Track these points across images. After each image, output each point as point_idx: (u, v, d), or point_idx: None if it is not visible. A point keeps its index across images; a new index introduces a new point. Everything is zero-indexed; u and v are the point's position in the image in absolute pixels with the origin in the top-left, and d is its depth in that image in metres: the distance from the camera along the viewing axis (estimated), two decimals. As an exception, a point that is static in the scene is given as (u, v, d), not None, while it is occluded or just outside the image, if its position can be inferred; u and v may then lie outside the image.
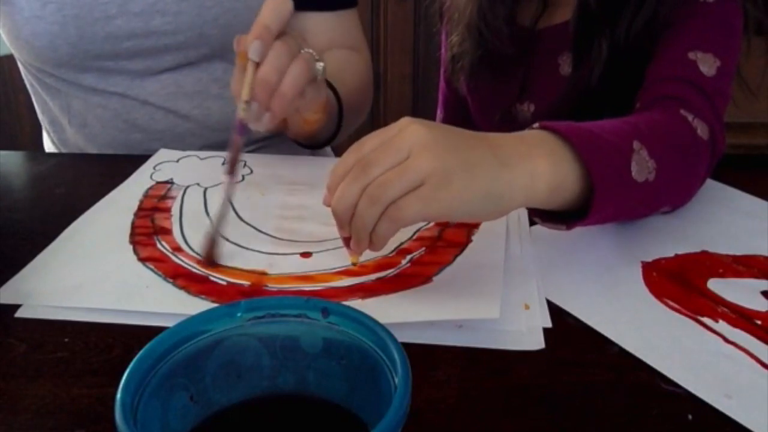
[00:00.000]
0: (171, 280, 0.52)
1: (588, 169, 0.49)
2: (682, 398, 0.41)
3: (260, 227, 0.61)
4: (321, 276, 0.53)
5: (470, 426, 0.39)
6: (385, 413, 0.27)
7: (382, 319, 0.32)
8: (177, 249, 0.57)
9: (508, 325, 0.47)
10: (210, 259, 0.54)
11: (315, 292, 0.50)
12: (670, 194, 0.60)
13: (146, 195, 0.67)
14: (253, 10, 0.84)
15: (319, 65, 0.63)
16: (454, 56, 0.87)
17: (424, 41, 1.93)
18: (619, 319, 0.48)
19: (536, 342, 0.46)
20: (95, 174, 0.74)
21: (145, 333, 0.42)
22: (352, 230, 0.47)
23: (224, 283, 0.52)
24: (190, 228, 0.60)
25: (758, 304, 0.50)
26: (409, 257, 0.55)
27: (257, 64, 0.59)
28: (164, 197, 0.66)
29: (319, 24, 0.87)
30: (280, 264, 0.54)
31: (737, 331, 0.47)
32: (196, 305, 0.49)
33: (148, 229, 0.60)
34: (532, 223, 0.61)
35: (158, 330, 0.32)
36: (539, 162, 0.48)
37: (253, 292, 0.50)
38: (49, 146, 0.98)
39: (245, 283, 0.52)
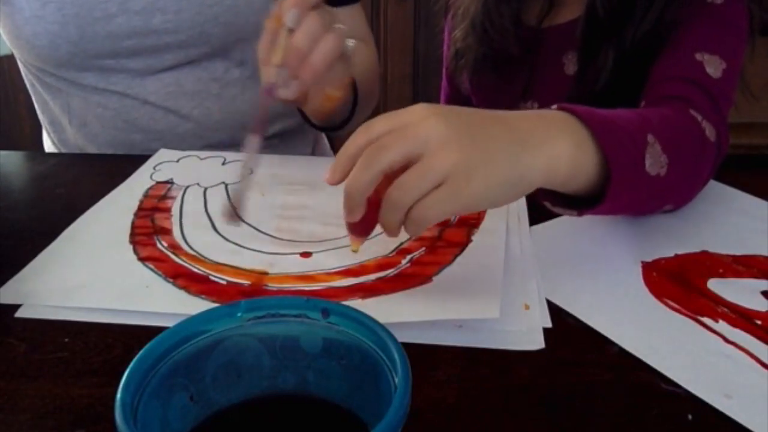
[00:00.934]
0: (171, 280, 0.52)
1: (606, 156, 0.49)
2: (682, 398, 0.41)
3: (260, 227, 0.61)
4: (321, 276, 0.53)
5: (470, 426, 0.39)
6: (385, 413, 0.27)
7: (382, 319, 0.32)
8: (177, 249, 0.57)
9: (508, 325, 0.47)
10: (233, 214, 0.54)
11: (315, 292, 0.50)
12: (678, 191, 0.59)
13: (146, 195, 0.67)
14: (253, 8, 0.84)
15: (350, 42, 0.64)
16: (457, 52, 0.87)
17: (424, 41, 1.93)
18: (619, 319, 0.48)
19: (536, 342, 0.46)
20: (95, 174, 0.74)
21: (145, 333, 0.42)
22: (382, 226, 0.46)
23: (224, 282, 0.52)
24: (190, 228, 0.60)
25: (758, 304, 0.50)
26: (409, 257, 0.55)
27: (291, 31, 0.58)
28: (164, 197, 0.66)
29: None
30: (281, 264, 0.54)
31: (737, 331, 0.47)
32: (196, 305, 0.49)
33: (148, 229, 0.60)
34: (532, 222, 0.61)
35: (158, 330, 0.32)
36: (559, 144, 0.47)
37: (254, 292, 0.50)
38: (49, 146, 0.98)
39: (245, 282, 0.52)
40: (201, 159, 0.76)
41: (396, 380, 0.29)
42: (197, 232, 0.59)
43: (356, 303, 0.49)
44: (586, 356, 0.45)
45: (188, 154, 0.77)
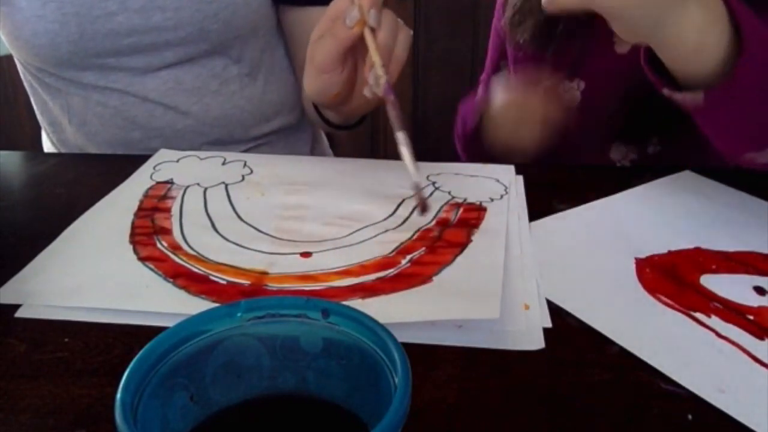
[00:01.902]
0: (171, 280, 0.52)
1: (738, 21, 0.51)
2: (682, 398, 0.41)
3: (260, 227, 0.61)
4: (321, 276, 0.53)
5: (470, 426, 0.39)
6: (385, 413, 0.27)
7: (382, 319, 0.32)
8: (177, 248, 0.57)
9: (508, 325, 0.47)
10: (424, 207, 0.56)
11: (315, 292, 0.50)
12: None
13: (146, 195, 0.67)
14: (251, 7, 0.84)
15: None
16: (519, 13, 0.83)
17: (424, 41, 1.93)
18: (613, 316, 0.48)
19: (536, 342, 0.46)
20: (95, 174, 0.74)
21: (145, 333, 0.42)
22: None
23: (224, 282, 0.52)
24: (190, 228, 0.60)
25: (750, 300, 0.50)
26: (409, 257, 0.55)
27: (373, 30, 0.60)
28: (164, 197, 0.66)
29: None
30: (281, 264, 0.54)
31: (730, 326, 0.47)
32: (196, 305, 0.49)
33: (148, 229, 0.60)
34: (531, 221, 0.61)
35: (158, 330, 0.32)
36: (700, 14, 0.51)
37: (254, 292, 0.50)
38: (48, 146, 0.98)
39: (245, 282, 0.52)
40: (201, 159, 0.76)
41: (396, 380, 0.29)
42: (197, 232, 0.59)
43: (356, 303, 0.49)
44: (586, 356, 0.45)
45: (188, 154, 0.77)
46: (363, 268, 0.53)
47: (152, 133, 0.87)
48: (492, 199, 0.65)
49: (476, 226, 0.60)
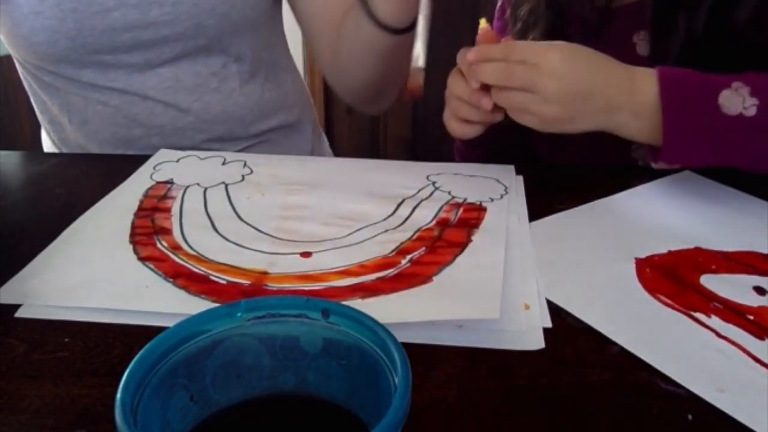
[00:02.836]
0: (171, 280, 0.52)
1: (661, 102, 0.59)
2: (682, 398, 0.41)
3: (260, 227, 0.61)
4: (321, 275, 0.53)
5: (470, 426, 0.39)
6: (385, 413, 0.27)
7: (382, 319, 0.32)
8: (177, 248, 0.57)
9: (508, 325, 0.47)
10: (416, 91, 0.59)
11: (315, 292, 0.50)
12: None
13: (146, 195, 0.67)
14: (249, 2, 0.84)
15: None
16: (524, 26, 0.84)
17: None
18: (613, 316, 0.48)
19: (536, 342, 0.46)
20: (95, 174, 0.74)
21: (145, 333, 0.42)
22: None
23: (224, 282, 0.52)
24: (190, 228, 0.60)
25: (750, 300, 0.50)
26: (409, 257, 0.55)
27: None
28: (164, 197, 0.66)
29: None
30: (281, 263, 0.54)
31: (730, 326, 0.47)
32: (196, 305, 0.49)
33: (148, 229, 0.60)
34: (531, 221, 0.61)
35: (158, 330, 0.32)
36: (627, 116, 0.60)
37: (254, 292, 0.50)
38: (48, 146, 0.98)
39: (245, 282, 0.52)
40: (201, 159, 0.76)
41: (396, 380, 0.29)
42: (197, 232, 0.59)
43: (356, 303, 0.49)
44: (586, 356, 0.45)
45: (188, 154, 0.77)
46: (363, 268, 0.53)
47: (153, 130, 0.87)
48: (492, 199, 0.65)
49: (476, 226, 0.60)
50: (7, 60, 1.13)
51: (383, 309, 0.48)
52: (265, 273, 0.53)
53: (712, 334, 0.46)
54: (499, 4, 0.92)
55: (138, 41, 0.81)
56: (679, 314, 0.48)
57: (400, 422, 0.27)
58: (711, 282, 0.52)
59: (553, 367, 0.44)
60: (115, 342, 0.46)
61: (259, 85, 0.91)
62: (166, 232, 0.60)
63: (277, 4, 0.92)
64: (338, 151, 1.18)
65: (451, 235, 0.58)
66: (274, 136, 0.95)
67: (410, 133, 2.03)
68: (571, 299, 0.50)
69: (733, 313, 0.48)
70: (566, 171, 0.74)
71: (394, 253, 0.56)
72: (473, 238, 0.58)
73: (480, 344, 0.45)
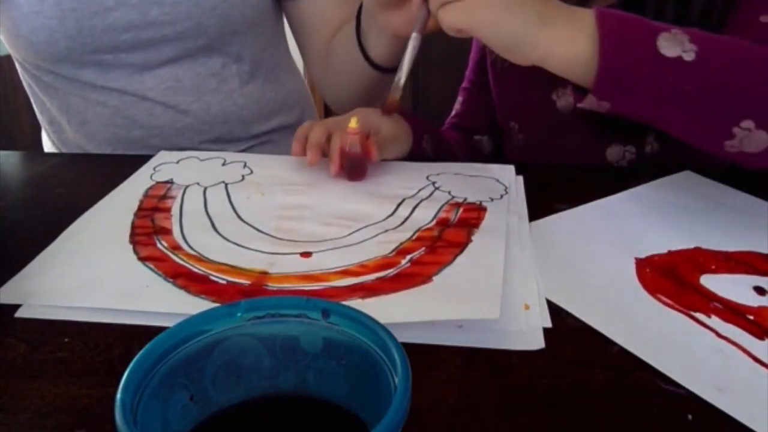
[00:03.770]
0: (171, 280, 0.52)
1: (598, 35, 0.54)
2: (682, 398, 0.41)
3: (260, 227, 0.61)
4: (321, 275, 0.53)
5: (470, 426, 0.39)
6: (385, 413, 0.27)
7: (382, 319, 0.32)
8: (177, 248, 0.57)
9: (509, 325, 0.47)
10: (392, 106, 0.58)
11: (315, 292, 0.50)
12: (727, 93, 0.55)
13: (146, 195, 0.67)
14: (249, 1, 0.84)
15: None
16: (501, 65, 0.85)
17: (424, 41, 1.92)
18: (613, 316, 0.48)
19: (536, 342, 0.46)
20: (95, 174, 0.74)
21: (145, 333, 0.42)
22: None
23: (224, 282, 0.52)
24: (190, 228, 0.60)
25: (750, 300, 0.50)
26: (409, 257, 0.55)
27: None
28: (164, 197, 0.66)
29: (330, 4, 0.88)
30: (281, 264, 0.54)
31: (729, 326, 0.47)
32: (197, 305, 0.49)
33: (148, 229, 0.60)
34: (531, 221, 0.61)
35: (158, 330, 0.32)
36: (564, 31, 0.56)
37: (254, 292, 0.50)
38: (48, 146, 0.98)
39: (245, 282, 0.52)
40: (201, 160, 0.76)
41: (396, 380, 0.29)
42: (197, 232, 0.59)
43: (356, 303, 0.49)
44: (586, 356, 0.45)
45: (188, 155, 0.77)
46: (363, 268, 0.53)
47: (152, 131, 0.87)
48: (492, 199, 0.65)
49: (476, 226, 0.60)
50: (7, 60, 1.13)
51: (383, 309, 0.48)
52: (265, 273, 0.53)
53: (712, 334, 0.46)
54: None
55: (138, 41, 0.81)
56: (679, 314, 0.48)
57: (400, 422, 0.27)
58: (711, 282, 0.52)
59: (553, 367, 0.44)
60: (115, 342, 0.46)
61: (259, 85, 0.91)
62: (166, 232, 0.60)
63: (278, 4, 0.92)
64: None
65: (451, 235, 0.58)
66: (275, 137, 0.95)
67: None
68: (571, 299, 0.50)
69: (733, 313, 0.48)
70: (566, 171, 0.74)
71: (394, 253, 0.56)
72: (473, 238, 0.58)
73: (480, 344, 0.45)
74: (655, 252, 0.56)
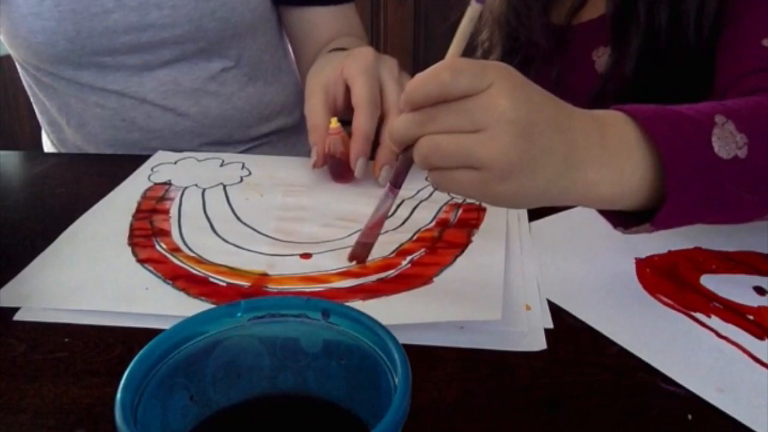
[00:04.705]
0: (170, 282, 0.52)
1: (659, 151, 0.44)
2: (682, 398, 0.41)
3: (259, 228, 0.61)
4: (321, 277, 0.53)
5: (470, 426, 0.39)
6: (385, 413, 0.27)
7: (384, 321, 0.32)
8: (176, 250, 0.57)
9: (510, 326, 0.47)
10: (360, 259, 0.54)
11: (315, 294, 0.50)
12: None
13: (144, 196, 0.67)
14: (249, 5, 0.84)
15: None
16: (483, 53, 0.85)
17: (424, 41, 1.93)
18: (613, 316, 0.48)
19: (538, 343, 0.46)
20: (95, 174, 0.74)
21: (145, 333, 0.42)
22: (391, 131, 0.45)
23: (224, 284, 0.52)
24: (189, 229, 0.60)
25: (750, 300, 0.50)
26: (409, 258, 0.55)
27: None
28: (162, 199, 0.66)
29: (325, 17, 0.89)
30: (280, 265, 0.54)
31: (729, 326, 0.47)
32: (196, 307, 0.49)
33: (147, 231, 0.60)
34: (531, 221, 0.61)
35: (158, 330, 0.32)
36: (602, 170, 0.44)
37: (254, 294, 0.50)
38: (48, 146, 0.98)
39: (245, 284, 0.52)
40: (199, 161, 0.76)
41: (396, 380, 0.29)
42: (196, 234, 0.59)
43: (357, 304, 0.49)
44: (586, 356, 0.45)
45: (186, 156, 0.77)
46: (363, 269, 0.53)
47: (151, 134, 0.87)
48: (492, 200, 0.65)
49: (476, 226, 0.60)
50: (7, 60, 1.13)
51: (385, 311, 0.48)
52: (264, 274, 0.53)
53: (712, 334, 0.46)
54: None
55: (137, 43, 0.81)
56: (679, 314, 0.48)
57: (400, 422, 0.27)
58: (711, 282, 0.52)
59: (554, 367, 0.44)
60: (115, 342, 0.46)
61: (259, 88, 0.91)
62: (165, 233, 0.60)
63: (277, 8, 0.93)
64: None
65: (451, 235, 0.58)
66: (275, 139, 0.95)
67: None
68: (571, 299, 0.50)
69: (733, 313, 0.48)
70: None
71: (394, 254, 0.56)
72: (473, 238, 0.58)
73: (481, 345, 0.45)
74: (655, 252, 0.56)
